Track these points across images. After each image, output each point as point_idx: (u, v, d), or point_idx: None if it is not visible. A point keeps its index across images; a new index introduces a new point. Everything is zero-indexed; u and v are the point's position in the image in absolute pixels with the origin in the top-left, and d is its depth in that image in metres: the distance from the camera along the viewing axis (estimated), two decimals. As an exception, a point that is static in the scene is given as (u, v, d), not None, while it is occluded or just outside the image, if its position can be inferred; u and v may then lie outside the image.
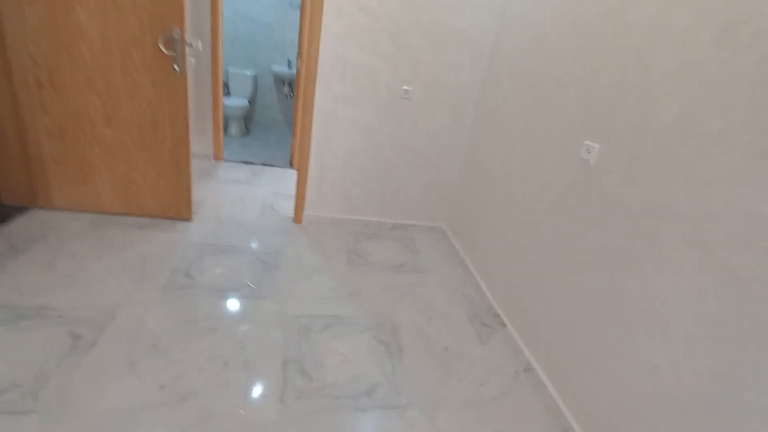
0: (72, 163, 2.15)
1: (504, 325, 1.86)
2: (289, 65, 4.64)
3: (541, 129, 1.75)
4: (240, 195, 2.89)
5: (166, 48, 1.97)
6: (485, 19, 2.23)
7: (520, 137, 1.93)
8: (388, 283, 2.12)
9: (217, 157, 3.50)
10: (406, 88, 2.31)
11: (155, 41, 1.96)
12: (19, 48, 1.89)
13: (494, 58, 2.27)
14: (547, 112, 1.72)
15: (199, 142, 3.39)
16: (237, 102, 4.22)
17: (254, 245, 2.25)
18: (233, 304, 1.75)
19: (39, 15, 1.85)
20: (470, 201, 2.42)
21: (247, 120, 4.84)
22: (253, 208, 2.70)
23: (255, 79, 4.64)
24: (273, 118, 4.99)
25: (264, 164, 3.63)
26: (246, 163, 3.59)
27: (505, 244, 1.96)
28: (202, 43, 2.96)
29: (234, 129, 4.34)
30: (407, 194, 2.64)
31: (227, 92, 4.68)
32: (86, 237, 2.04)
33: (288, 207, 2.80)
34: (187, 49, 2.10)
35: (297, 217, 2.59)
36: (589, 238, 1.39)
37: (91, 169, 2.17)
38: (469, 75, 2.35)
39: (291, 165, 3.70)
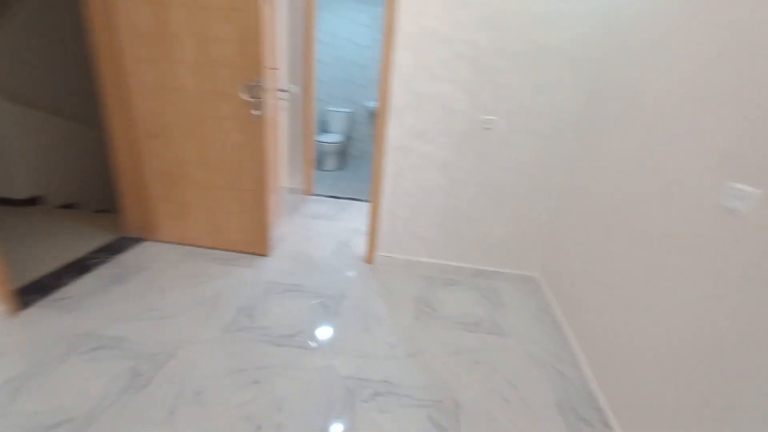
0: (174, 201, 2.40)
1: (609, 427, 1.38)
2: (383, 101, 4.72)
3: (662, 163, 1.31)
4: (320, 230, 2.90)
5: (250, 95, 2.09)
6: (585, 32, 1.85)
7: (632, 172, 1.48)
8: (459, 344, 1.81)
9: (307, 192, 3.64)
10: (488, 117, 2.04)
11: (240, 90, 2.09)
12: (140, 104, 2.22)
13: (598, 75, 1.86)
14: (672, 141, 1.27)
15: (293, 177, 3.58)
16: (332, 138, 4.42)
17: (320, 286, 2.18)
18: (283, 355, 1.66)
19: (154, 76, 2.14)
20: (569, 247, 1.97)
21: (343, 154, 5.04)
22: (328, 245, 2.67)
23: (352, 115, 4.84)
24: (366, 152, 5.10)
25: (350, 198, 3.65)
26: (333, 197, 3.67)
27: (616, 307, 1.49)
28: (299, 87, 3.14)
29: (330, 163, 4.53)
30: (492, 236, 2.30)
31: (325, 129, 4.96)
32: (178, 269, 2.22)
33: (363, 245, 2.70)
34: (282, 94, 2.21)
35: (369, 257, 2.46)
36: (741, 321, 0.91)
37: (188, 207, 2.40)
38: (566, 98, 1.97)
39: (376, 200, 3.65)
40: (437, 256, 2.40)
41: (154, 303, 1.91)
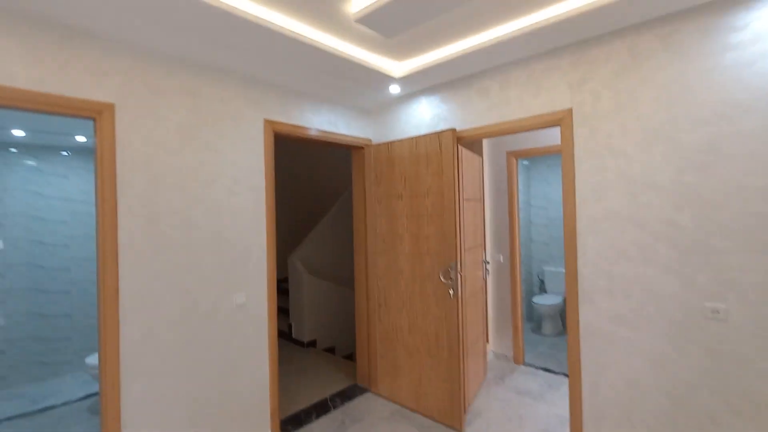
0: (389, 360, 2.88)
1: None
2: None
3: None
4: (522, 412, 2.68)
5: (445, 278, 2.50)
6: None
7: None
8: None
9: (517, 360, 3.49)
10: (711, 305, 1.64)
11: (438, 274, 2.54)
12: (372, 283, 2.99)
13: None
14: None
15: (500, 343, 3.57)
16: (550, 300, 4.23)
17: (508, 485, 1.96)
18: None
19: (384, 263, 2.90)
20: None
21: (563, 318, 4.63)
22: (528, 432, 2.42)
23: (572, 275, 4.56)
24: (596, 315, 4.50)
25: (566, 374, 3.24)
26: (546, 370, 3.35)
27: None
28: (504, 255, 3.41)
29: (547, 327, 4.25)
30: (768, 477, 1.55)
31: (544, 290, 4.80)
32: (384, 428, 2.53)
33: (571, 441, 2.29)
34: (488, 266, 2.56)
35: (573, 462, 2.06)
36: None
37: (399, 368, 2.81)
38: None
39: (599, 380, 3.09)
40: (674, 486, 1.76)
41: (357, 457, 2.22)
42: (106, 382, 1.75)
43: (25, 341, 3.40)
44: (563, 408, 2.69)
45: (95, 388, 3.23)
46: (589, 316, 1.99)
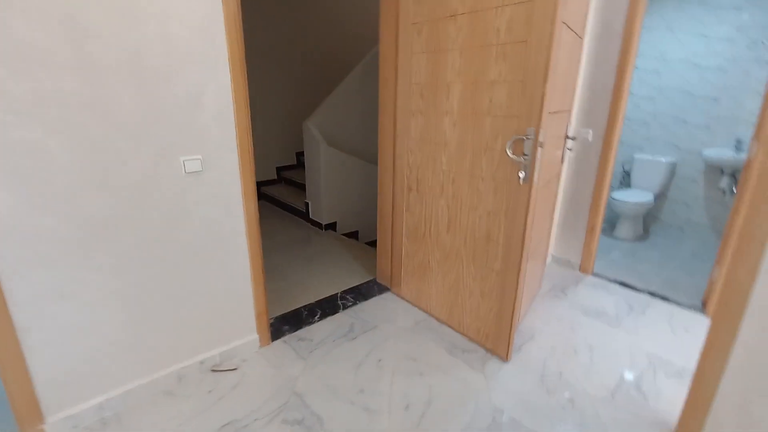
0: (418, 260, 2.17)
1: None
2: (737, 147, 3.07)
3: None
4: (592, 341, 1.98)
5: (515, 153, 1.55)
6: None
7: None
8: None
9: (584, 269, 2.71)
10: None
11: (505, 145, 1.59)
12: (401, 157, 2.11)
13: None
14: None
15: (565, 245, 2.77)
16: (636, 196, 3.23)
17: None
18: None
19: (419, 128, 1.96)
20: None
21: (648, 219, 3.65)
22: (604, 375, 1.73)
23: (672, 166, 3.43)
24: (691, 220, 3.48)
25: (653, 294, 2.44)
26: (623, 285, 2.56)
27: None
28: (590, 131, 2.36)
29: (624, 230, 3.34)
30: None
31: (627, 183, 3.75)
32: (404, 341, 1.95)
33: (671, 397, 1.60)
34: (570, 143, 1.60)
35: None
36: None
37: (429, 270, 2.11)
38: None
39: (703, 309, 2.27)
40: None
41: (365, 383, 1.67)
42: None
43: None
44: (655, 343, 1.96)
45: None
46: (798, 234, 1.05)
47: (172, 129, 1.40)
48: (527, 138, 1.49)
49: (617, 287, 2.53)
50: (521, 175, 1.53)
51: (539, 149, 1.48)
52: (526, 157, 1.51)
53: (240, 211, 1.64)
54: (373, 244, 3.57)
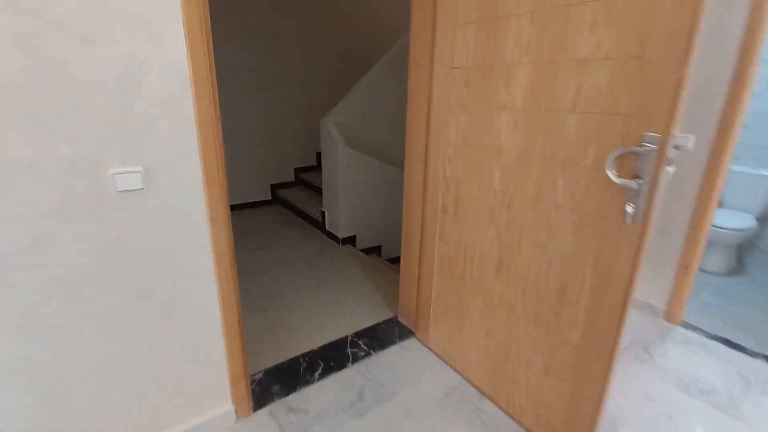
0: (453, 304, 1.63)
1: None
2: None
3: None
4: (703, 439, 1.37)
5: (620, 173, 0.98)
6: None
7: None
8: None
9: (671, 318, 2.07)
10: None
11: (602, 160, 1.02)
12: (437, 169, 1.57)
13: None
14: None
15: (646, 285, 2.15)
16: (730, 220, 2.53)
17: None
18: None
19: (461, 129, 1.41)
20: None
21: (744, 249, 2.92)
22: None
23: (784, 183, 2.69)
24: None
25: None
26: (728, 343, 1.91)
27: None
28: (698, 136, 1.73)
29: (714, 262, 2.64)
30: None
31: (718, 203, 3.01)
32: (430, 421, 1.42)
33: None
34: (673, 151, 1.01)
35: None
36: None
37: (468, 319, 1.56)
38: None
39: None
40: None
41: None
42: None
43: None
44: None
45: None
46: None
47: (93, 126, 0.93)
48: (644, 150, 0.92)
49: (719, 346, 1.88)
50: (629, 209, 0.95)
51: (665, 169, 0.91)
52: (639, 181, 0.93)
53: (206, 243, 1.17)
54: (397, 260, 3.05)
